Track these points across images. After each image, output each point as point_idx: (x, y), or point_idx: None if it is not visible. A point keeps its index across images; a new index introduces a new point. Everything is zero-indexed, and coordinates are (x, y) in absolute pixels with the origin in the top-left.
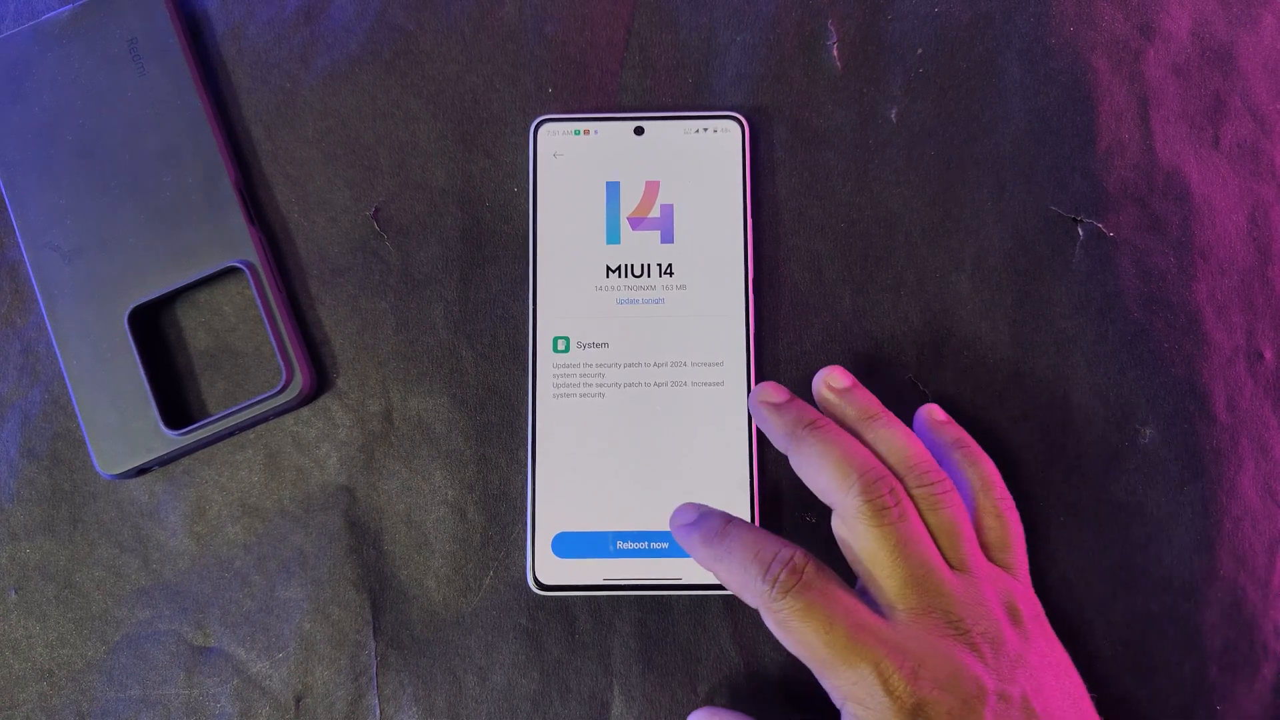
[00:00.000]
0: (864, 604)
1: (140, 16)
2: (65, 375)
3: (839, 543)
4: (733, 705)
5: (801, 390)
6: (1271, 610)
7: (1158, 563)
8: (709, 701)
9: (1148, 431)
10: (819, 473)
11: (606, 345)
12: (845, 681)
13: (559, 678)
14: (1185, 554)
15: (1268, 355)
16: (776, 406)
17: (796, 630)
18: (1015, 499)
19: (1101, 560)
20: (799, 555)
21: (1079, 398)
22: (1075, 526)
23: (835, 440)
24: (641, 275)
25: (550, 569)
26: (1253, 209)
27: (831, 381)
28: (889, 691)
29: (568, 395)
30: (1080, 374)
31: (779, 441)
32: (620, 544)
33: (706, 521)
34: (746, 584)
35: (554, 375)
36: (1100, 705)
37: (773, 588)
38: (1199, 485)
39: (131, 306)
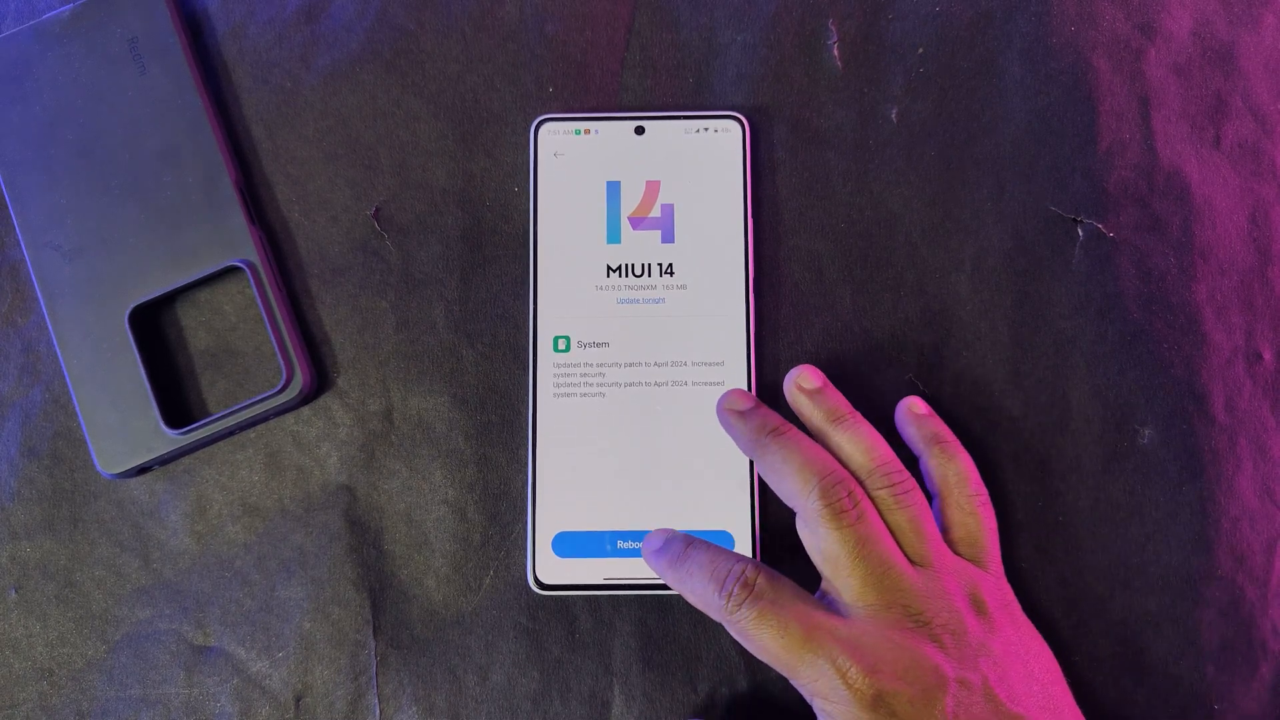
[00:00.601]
0: (819, 605)
1: (140, 16)
2: (66, 374)
3: (804, 545)
4: (733, 706)
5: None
6: (1269, 609)
7: (1156, 562)
8: (709, 701)
9: (1146, 432)
10: (782, 478)
11: (607, 345)
12: (807, 680)
13: (559, 677)
14: (1183, 553)
15: (1267, 356)
16: (742, 414)
17: (755, 638)
18: (1013, 498)
19: (1100, 559)
20: (750, 569)
21: (1078, 398)
22: (1074, 526)
23: (797, 446)
24: (642, 275)
25: (550, 568)
26: (1253, 209)
27: (802, 382)
28: (848, 685)
29: (568, 395)
30: (1079, 374)
31: (744, 448)
32: (620, 544)
33: (670, 547)
34: (708, 601)
35: (554, 375)
36: (1098, 704)
37: (728, 602)
38: (1197, 485)
39: (132, 306)
